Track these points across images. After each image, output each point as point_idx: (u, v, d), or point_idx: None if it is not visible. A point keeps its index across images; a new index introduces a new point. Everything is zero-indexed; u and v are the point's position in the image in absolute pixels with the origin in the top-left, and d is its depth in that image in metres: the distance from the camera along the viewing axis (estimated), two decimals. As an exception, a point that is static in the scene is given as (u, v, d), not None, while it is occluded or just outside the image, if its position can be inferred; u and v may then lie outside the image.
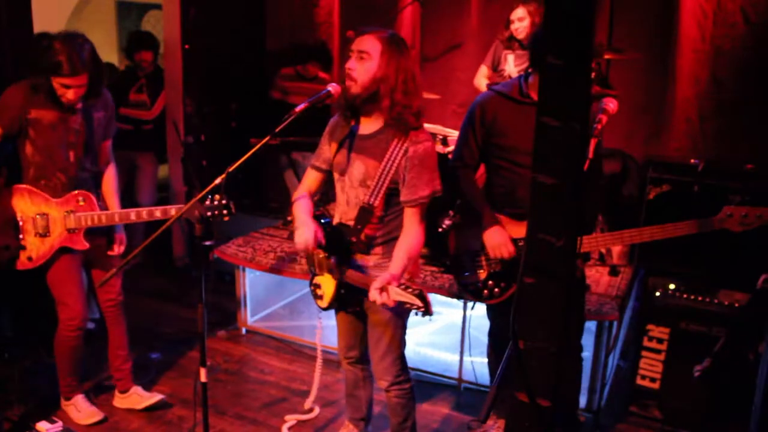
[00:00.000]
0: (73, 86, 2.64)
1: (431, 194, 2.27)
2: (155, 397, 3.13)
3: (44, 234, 2.76)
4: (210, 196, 2.41)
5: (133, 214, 2.80)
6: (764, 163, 3.39)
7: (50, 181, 2.77)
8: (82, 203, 2.81)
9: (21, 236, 2.74)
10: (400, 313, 2.38)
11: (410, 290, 2.02)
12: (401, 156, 2.22)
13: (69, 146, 2.77)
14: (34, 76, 2.66)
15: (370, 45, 2.19)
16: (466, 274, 2.51)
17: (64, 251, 2.81)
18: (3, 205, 2.75)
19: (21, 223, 2.75)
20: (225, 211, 2.36)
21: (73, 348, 2.93)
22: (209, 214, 2.36)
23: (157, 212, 2.76)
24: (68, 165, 2.79)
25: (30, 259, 2.76)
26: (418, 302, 2.00)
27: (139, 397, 3.15)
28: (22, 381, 3.26)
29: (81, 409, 3.03)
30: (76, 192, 2.81)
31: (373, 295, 2.09)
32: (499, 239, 2.47)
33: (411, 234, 2.27)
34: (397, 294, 2.04)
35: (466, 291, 2.53)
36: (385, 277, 2.10)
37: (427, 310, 2.00)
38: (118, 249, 3.00)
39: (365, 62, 2.19)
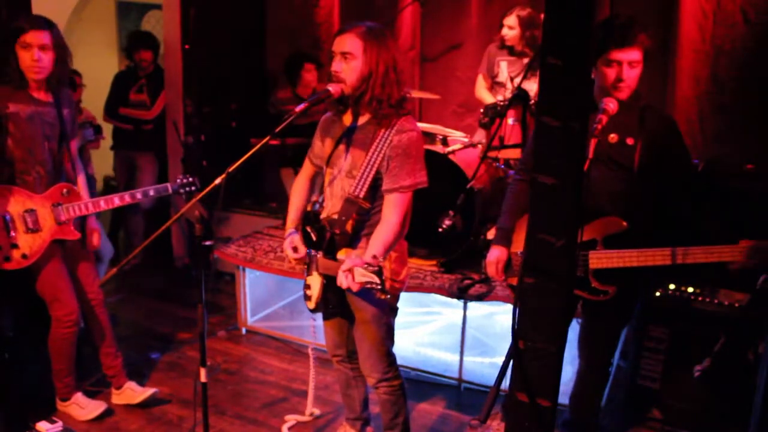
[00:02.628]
0: (35, 45, 2.66)
1: (413, 185, 2.25)
2: (148, 391, 3.14)
3: (35, 230, 2.77)
4: (177, 178, 2.76)
5: (116, 199, 2.86)
6: (764, 163, 3.39)
7: (30, 175, 2.78)
8: (66, 195, 2.85)
9: (13, 234, 2.74)
10: (382, 310, 2.37)
11: (370, 268, 1.96)
12: (386, 146, 2.22)
13: (46, 139, 2.80)
14: (2, 54, 2.69)
15: (351, 45, 2.19)
16: (513, 274, 2.48)
17: (52, 247, 2.82)
18: None
19: (9, 222, 2.74)
20: (193, 188, 2.72)
21: (71, 344, 2.95)
22: (182, 191, 2.65)
23: (138, 194, 2.88)
24: (46, 158, 2.81)
25: (25, 256, 2.76)
26: (376, 279, 1.94)
27: (132, 392, 3.16)
28: (22, 381, 3.26)
29: (84, 405, 3.04)
30: (59, 184, 2.84)
31: (340, 278, 2.05)
32: (491, 258, 2.49)
33: (389, 224, 2.22)
34: (360, 275, 1.98)
35: (513, 291, 2.52)
36: (353, 260, 2.05)
37: (382, 288, 1.95)
38: (96, 241, 3.03)
39: (350, 62, 2.20)
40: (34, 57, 2.67)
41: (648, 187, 2.31)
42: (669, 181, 2.34)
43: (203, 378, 2.31)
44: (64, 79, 2.87)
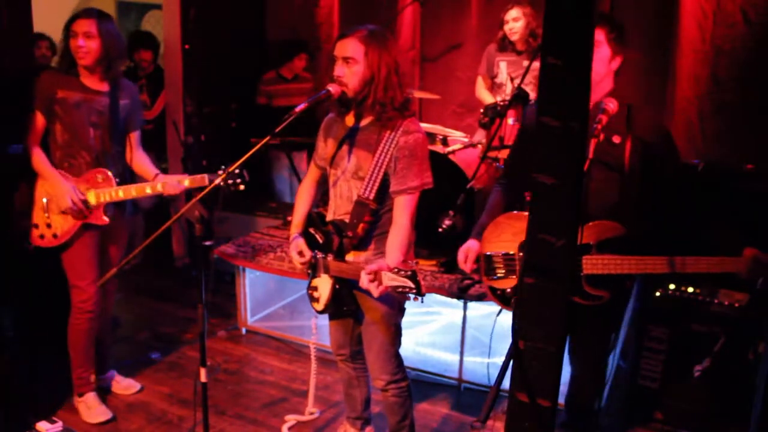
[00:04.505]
0: (80, 33, 2.75)
1: (421, 186, 2.27)
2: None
3: (66, 212, 2.83)
4: (224, 166, 2.52)
5: (148, 188, 2.88)
6: (764, 163, 3.39)
7: (75, 160, 2.87)
8: (101, 181, 2.90)
9: (47, 215, 2.86)
10: (393, 310, 2.38)
11: (402, 272, 1.97)
12: (393, 147, 2.24)
13: (93, 126, 2.87)
14: (62, 44, 2.82)
15: (353, 49, 2.20)
16: (497, 277, 2.39)
17: (83, 232, 2.88)
18: (29, 187, 2.89)
19: (46, 203, 2.86)
20: (239, 180, 2.53)
21: (84, 332, 2.98)
22: (223, 184, 2.45)
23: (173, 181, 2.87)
24: (92, 144, 2.88)
25: (55, 236, 2.86)
26: (410, 284, 1.95)
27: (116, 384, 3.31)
28: (22, 381, 3.26)
29: (92, 406, 3.06)
30: (95, 170, 2.89)
31: (364, 281, 2.06)
32: (463, 250, 2.41)
33: (401, 226, 2.26)
34: (389, 279, 2.00)
35: (493, 295, 2.40)
36: (379, 263, 2.07)
37: (419, 291, 1.96)
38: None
39: (352, 66, 2.20)
40: (78, 43, 2.76)
41: (638, 188, 2.25)
42: (659, 181, 2.27)
43: (203, 378, 2.31)
44: (117, 69, 2.91)
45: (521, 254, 2.27)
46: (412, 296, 2.00)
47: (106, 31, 2.80)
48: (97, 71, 2.85)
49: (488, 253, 2.36)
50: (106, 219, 2.91)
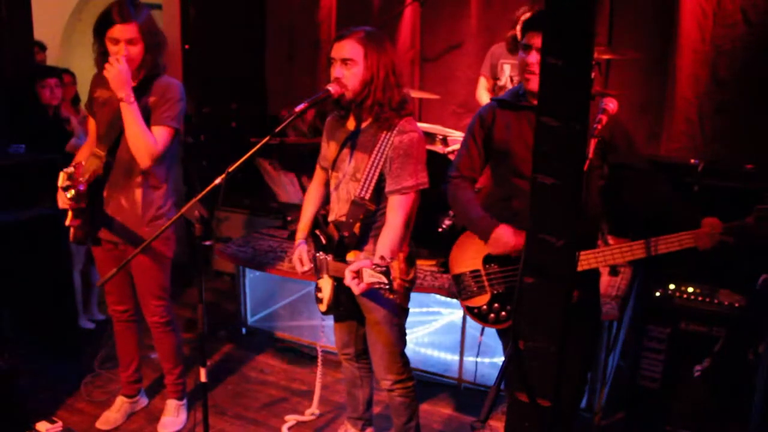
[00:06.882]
0: (122, 39, 2.52)
1: (415, 186, 2.25)
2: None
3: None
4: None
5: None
6: (764, 163, 3.39)
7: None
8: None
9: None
10: (391, 311, 2.38)
11: (378, 269, 1.97)
12: (388, 147, 2.24)
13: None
14: (96, 49, 2.63)
15: (352, 50, 2.19)
16: (469, 296, 2.36)
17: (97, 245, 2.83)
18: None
19: None
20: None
21: (119, 338, 3.05)
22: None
23: None
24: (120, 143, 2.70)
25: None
26: (384, 279, 1.95)
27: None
28: (22, 381, 3.26)
29: (112, 409, 3.06)
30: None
31: (347, 278, 2.05)
32: (505, 239, 2.21)
33: (393, 225, 2.23)
34: (368, 276, 1.99)
35: (471, 314, 2.38)
36: (361, 262, 2.04)
37: (390, 287, 1.96)
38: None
39: (351, 68, 2.20)
40: (121, 52, 2.53)
41: (599, 184, 2.24)
42: (616, 175, 2.25)
43: (203, 378, 2.31)
44: (156, 67, 2.67)
45: (488, 267, 2.30)
46: (387, 292, 2.01)
47: (147, 30, 2.59)
48: (136, 72, 2.64)
49: (456, 273, 2.38)
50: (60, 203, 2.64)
